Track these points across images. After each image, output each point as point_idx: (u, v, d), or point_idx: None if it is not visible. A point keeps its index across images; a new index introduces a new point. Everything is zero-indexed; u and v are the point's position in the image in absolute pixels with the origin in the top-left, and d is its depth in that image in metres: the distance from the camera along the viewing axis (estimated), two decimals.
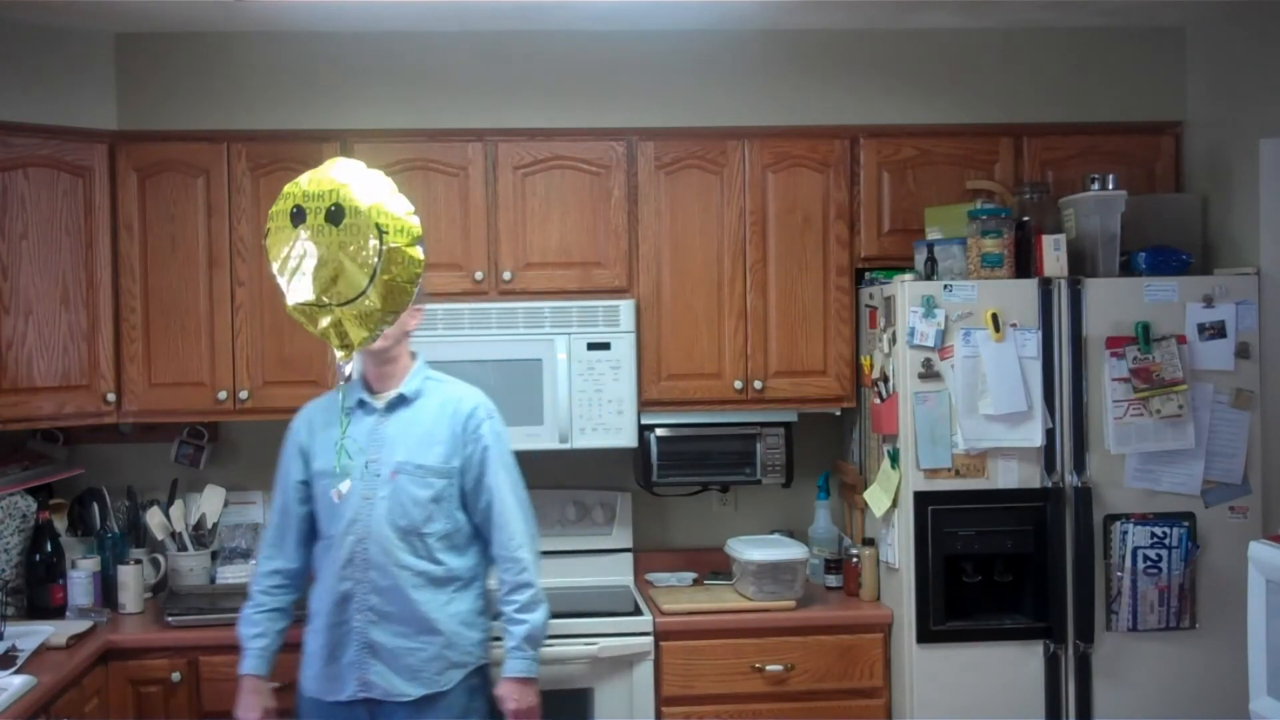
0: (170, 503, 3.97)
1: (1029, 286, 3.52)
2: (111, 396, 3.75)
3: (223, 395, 3.78)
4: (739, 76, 3.90)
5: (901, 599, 3.55)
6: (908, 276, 3.56)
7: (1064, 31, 3.94)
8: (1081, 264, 3.60)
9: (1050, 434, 3.49)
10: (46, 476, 3.84)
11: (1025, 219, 3.68)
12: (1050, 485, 3.50)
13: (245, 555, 4.01)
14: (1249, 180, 3.65)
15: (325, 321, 2.66)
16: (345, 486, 2.97)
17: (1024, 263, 3.61)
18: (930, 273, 3.63)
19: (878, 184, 3.92)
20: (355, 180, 2.65)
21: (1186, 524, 3.49)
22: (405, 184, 3.79)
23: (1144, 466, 3.50)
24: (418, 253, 2.67)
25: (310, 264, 2.62)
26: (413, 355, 3.21)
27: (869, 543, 3.80)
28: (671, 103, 3.87)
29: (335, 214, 2.60)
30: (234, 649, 3.50)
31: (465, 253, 3.83)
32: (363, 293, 2.59)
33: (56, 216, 3.67)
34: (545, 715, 3.26)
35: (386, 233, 2.61)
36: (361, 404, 3.13)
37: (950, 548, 3.50)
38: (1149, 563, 3.48)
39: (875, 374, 3.71)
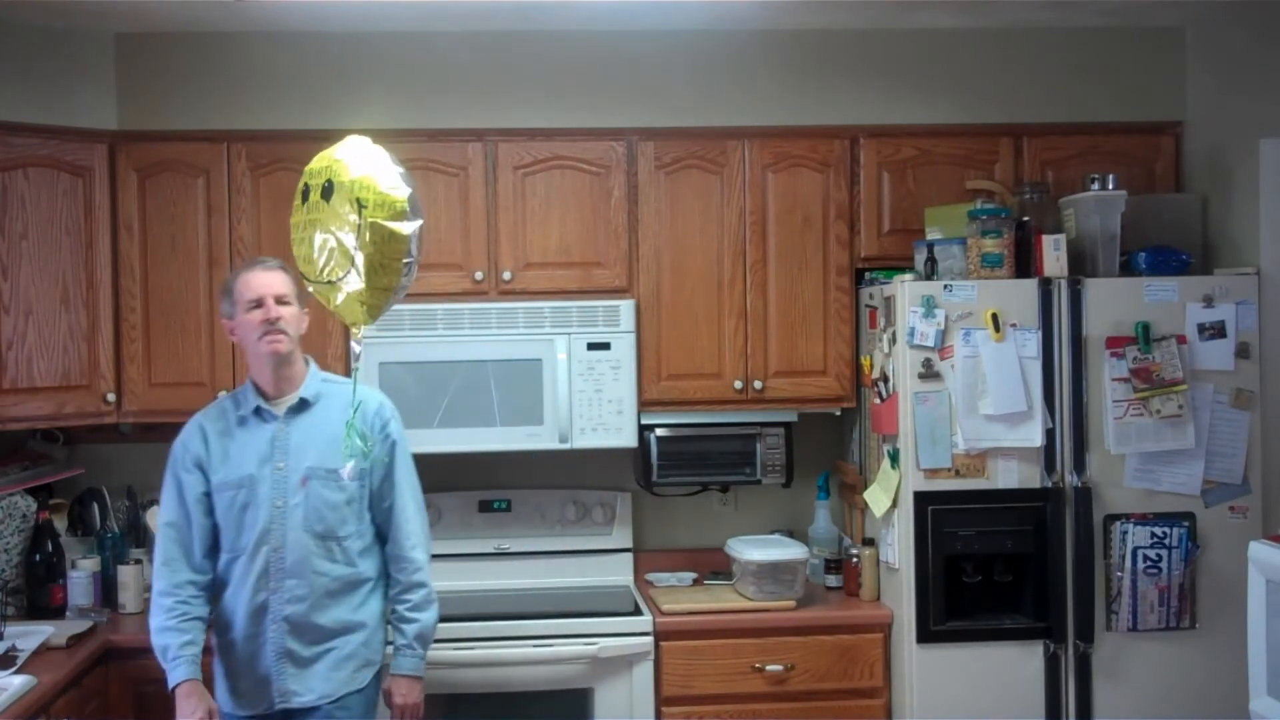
0: None
1: (1029, 286, 3.52)
2: (111, 396, 3.75)
3: (222, 395, 3.77)
4: (739, 76, 3.90)
5: (901, 599, 3.55)
6: (908, 276, 3.56)
7: (1064, 31, 3.94)
8: (1081, 264, 3.60)
9: (1050, 434, 3.49)
10: (46, 476, 3.84)
11: (1025, 219, 3.68)
12: (1050, 485, 3.50)
13: None
14: (1249, 180, 3.65)
15: (339, 299, 2.63)
16: (350, 468, 2.92)
17: (1024, 263, 3.61)
18: (930, 273, 3.63)
19: (878, 184, 3.92)
20: (351, 155, 2.61)
21: (1186, 524, 3.49)
22: None
23: (1144, 466, 3.50)
24: (401, 228, 2.58)
25: (313, 241, 2.62)
26: (305, 360, 3.15)
27: (869, 543, 3.79)
28: (671, 103, 3.87)
29: (328, 190, 2.60)
30: None
31: (465, 253, 3.83)
32: (351, 269, 2.57)
33: (56, 216, 3.67)
34: (545, 715, 3.26)
35: (366, 206, 2.56)
36: (258, 411, 3.06)
37: (950, 548, 3.50)
38: (1149, 563, 3.48)
39: (875, 374, 3.71)
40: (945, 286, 3.50)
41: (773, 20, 3.80)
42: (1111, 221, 3.60)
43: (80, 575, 3.70)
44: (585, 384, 3.77)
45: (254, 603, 2.99)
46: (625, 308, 3.80)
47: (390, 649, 3.12)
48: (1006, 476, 3.50)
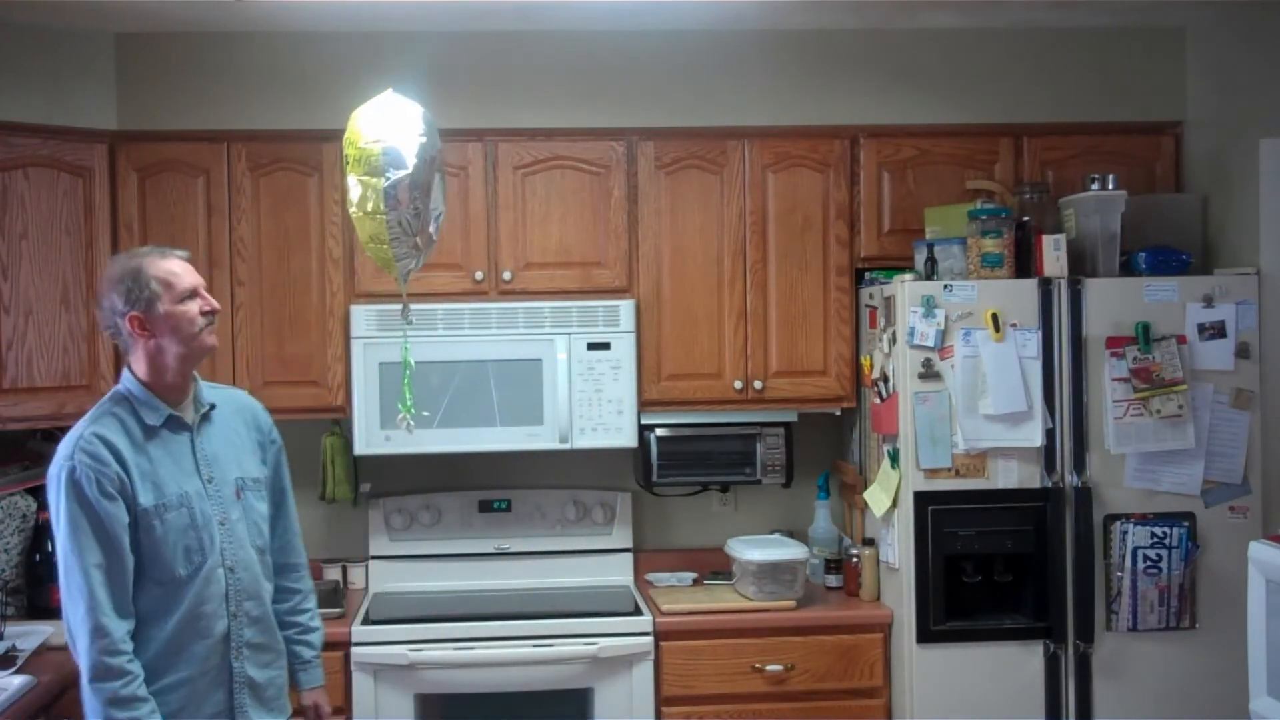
0: None
1: (1029, 286, 3.52)
2: None
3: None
4: (739, 76, 3.90)
5: (901, 599, 3.55)
6: (908, 276, 3.56)
7: (1064, 31, 3.94)
8: (1081, 264, 3.60)
9: (1050, 434, 3.49)
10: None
11: (1025, 219, 3.68)
12: (1050, 485, 3.50)
13: None
14: (1249, 180, 3.65)
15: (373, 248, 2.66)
16: (406, 421, 2.77)
17: (1024, 263, 3.61)
18: (930, 273, 3.63)
19: (878, 184, 3.92)
20: (365, 108, 2.63)
21: (1186, 524, 3.49)
22: None
23: (1144, 466, 3.50)
24: (376, 181, 2.53)
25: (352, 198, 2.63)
26: None
27: (869, 543, 3.79)
28: (671, 103, 3.87)
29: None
30: None
31: (465, 253, 3.83)
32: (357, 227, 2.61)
33: (56, 216, 3.67)
34: (545, 715, 3.26)
35: (349, 161, 2.58)
36: (170, 420, 2.65)
37: (950, 548, 3.50)
38: (1149, 563, 3.48)
39: (875, 374, 3.71)
40: (945, 286, 3.50)
41: (773, 20, 3.80)
42: (1111, 221, 3.60)
43: None
44: (585, 384, 3.77)
45: (216, 631, 2.62)
46: (625, 308, 3.80)
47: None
48: (1006, 476, 3.50)
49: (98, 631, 2.47)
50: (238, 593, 2.67)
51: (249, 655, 2.68)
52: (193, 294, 2.65)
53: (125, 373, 2.68)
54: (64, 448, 2.57)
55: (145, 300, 2.59)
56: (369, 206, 2.56)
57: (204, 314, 2.65)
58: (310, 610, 2.92)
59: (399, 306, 3.74)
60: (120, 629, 2.50)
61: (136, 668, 2.51)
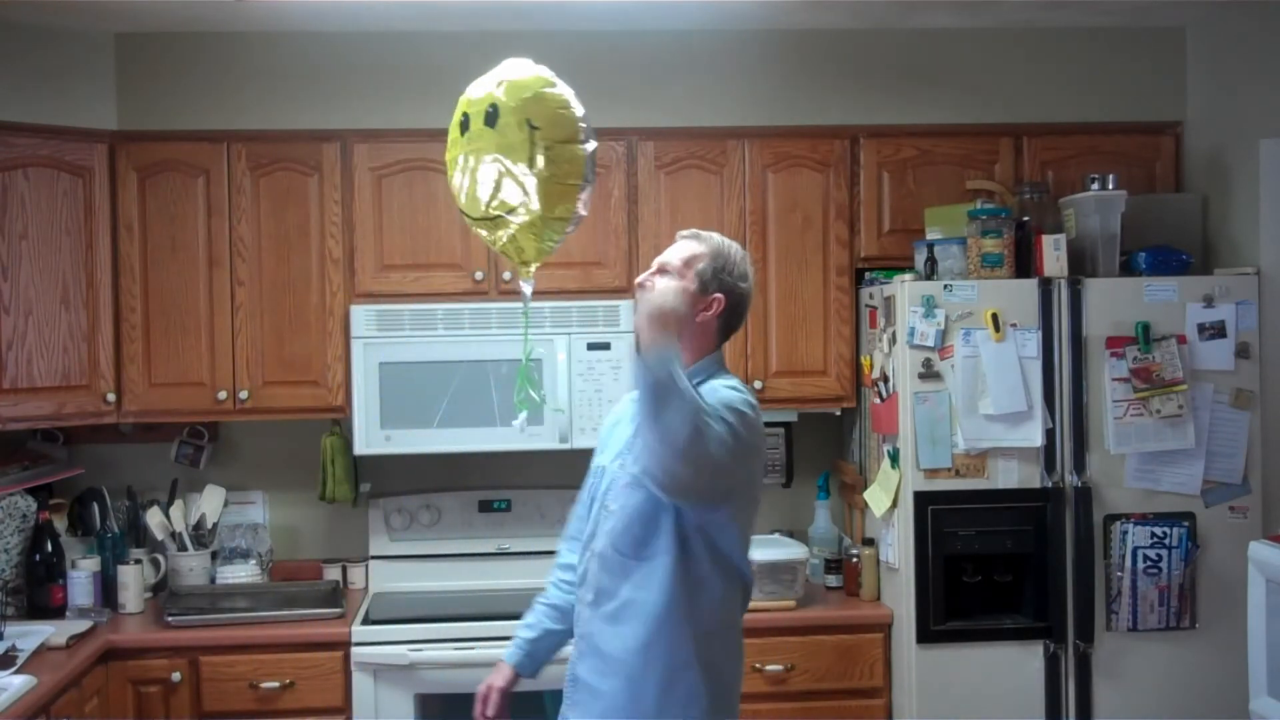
0: (170, 503, 3.97)
1: (1029, 286, 3.52)
2: (111, 396, 3.75)
3: (223, 395, 3.78)
4: (739, 76, 3.90)
5: (901, 599, 3.55)
6: (908, 276, 3.56)
7: (1064, 31, 3.94)
8: (1081, 264, 3.60)
9: (1050, 434, 3.49)
10: (46, 476, 3.84)
11: (1025, 219, 3.68)
12: (1050, 485, 3.50)
13: (245, 555, 4.02)
14: (1249, 180, 3.65)
15: (504, 236, 2.38)
16: (521, 420, 2.55)
17: (1024, 263, 3.61)
18: (930, 273, 3.63)
19: (878, 184, 3.92)
20: (513, 75, 2.37)
21: (1186, 524, 3.49)
22: (405, 184, 3.84)
23: (1144, 466, 3.49)
24: (578, 148, 2.36)
25: (478, 174, 2.36)
26: (701, 352, 2.58)
27: (869, 543, 3.79)
28: (671, 103, 3.87)
29: (491, 116, 2.33)
30: (234, 649, 3.52)
31: (465, 253, 3.83)
32: (525, 198, 2.32)
33: (56, 216, 3.67)
34: (546, 715, 3.25)
35: (539, 128, 2.31)
36: None
37: (950, 548, 3.50)
38: (1149, 563, 3.48)
39: (875, 374, 3.71)
40: (945, 286, 3.50)
41: (773, 20, 3.80)
42: (1111, 221, 3.60)
43: (80, 575, 3.70)
44: (585, 384, 3.77)
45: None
46: (625, 308, 3.79)
47: None
48: (1006, 476, 3.50)
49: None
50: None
51: None
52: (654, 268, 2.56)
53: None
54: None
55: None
56: (571, 179, 2.34)
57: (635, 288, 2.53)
58: None
59: (399, 307, 3.77)
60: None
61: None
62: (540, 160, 2.30)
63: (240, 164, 3.80)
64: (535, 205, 2.31)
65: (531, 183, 2.31)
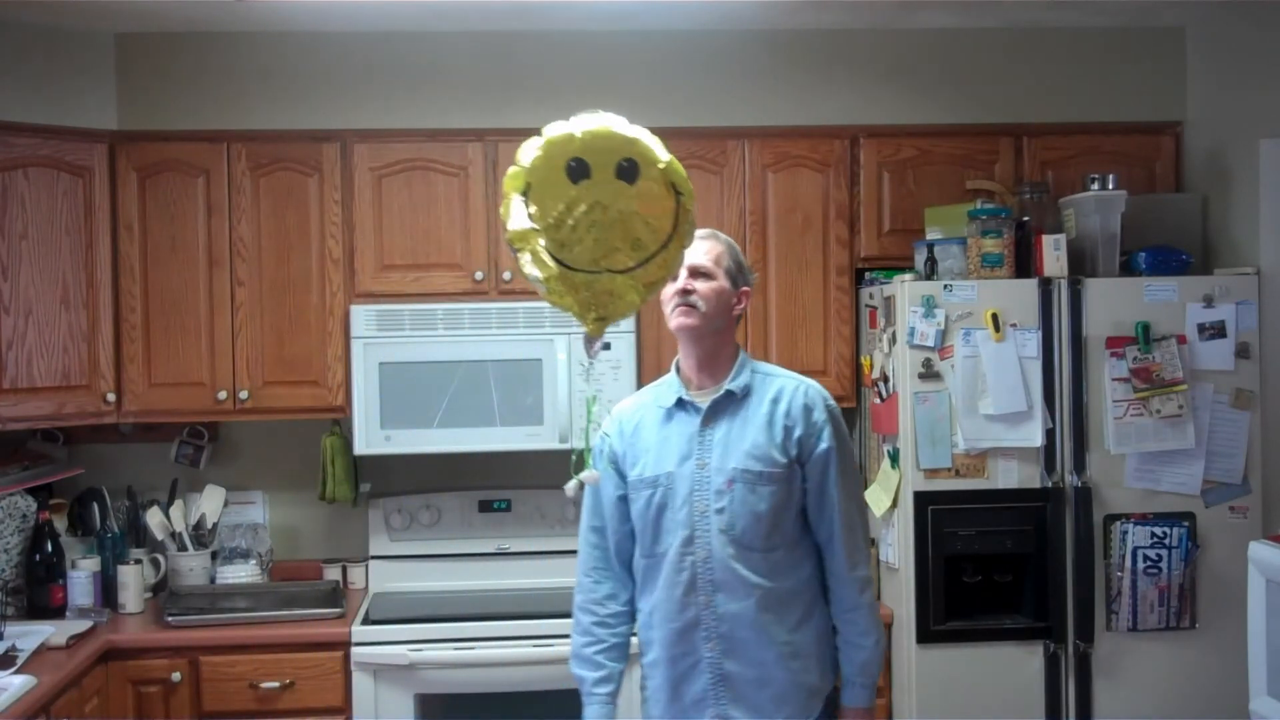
0: (170, 503, 3.97)
1: (1029, 286, 3.52)
2: (111, 396, 3.75)
3: (223, 395, 3.78)
4: (739, 76, 3.90)
5: (901, 599, 3.55)
6: (908, 276, 3.55)
7: (1064, 31, 3.94)
8: (1081, 264, 3.60)
9: (1050, 434, 3.49)
10: (46, 476, 3.84)
11: (1025, 219, 3.68)
12: (1050, 485, 3.50)
13: (245, 555, 4.01)
14: (1249, 180, 3.65)
15: (584, 291, 2.29)
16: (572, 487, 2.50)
17: (1024, 263, 3.61)
18: (930, 273, 3.63)
19: (878, 184, 3.92)
20: (642, 133, 2.30)
21: (1186, 524, 3.49)
22: (405, 184, 3.84)
23: (1144, 466, 3.49)
24: (690, 202, 2.33)
25: (594, 225, 2.22)
26: (736, 346, 2.70)
27: (869, 543, 3.78)
28: (671, 103, 3.87)
29: (629, 170, 2.24)
30: (234, 649, 3.52)
31: (465, 253, 3.83)
32: (648, 259, 2.25)
33: (56, 216, 3.67)
34: (545, 715, 3.25)
35: (684, 195, 2.28)
36: (680, 403, 2.65)
37: (950, 548, 3.50)
38: (1149, 563, 3.48)
39: (875, 374, 3.71)
40: (945, 286, 3.50)
41: (773, 20, 3.80)
42: (1111, 221, 3.60)
43: (80, 575, 3.70)
44: (585, 384, 3.77)
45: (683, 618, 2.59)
46: None
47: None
48: (1006, 476, 3.50)
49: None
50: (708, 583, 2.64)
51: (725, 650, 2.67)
52: (686, 273, 2.58)
53: None
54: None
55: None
56: (688, 241, 2.35)
57: (676, 294, 2.59)
58: None
59: (399, 307, 3.77)
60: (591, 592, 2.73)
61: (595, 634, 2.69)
62: (684, 225, 2.30)
63: (240, 164, 3.80)
64: (662, 268, 2.30)
65: (670, 245, 2.29)
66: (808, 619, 2.61)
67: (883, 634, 2.67)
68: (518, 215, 2.25)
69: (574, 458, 2.48)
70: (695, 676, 2.58)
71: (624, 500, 2.66)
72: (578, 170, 2.22)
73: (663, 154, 2.28)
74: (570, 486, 2.47)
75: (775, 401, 2.61)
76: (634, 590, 2.67)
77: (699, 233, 2.60)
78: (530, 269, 2.25)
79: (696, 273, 2.58)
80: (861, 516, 2.69)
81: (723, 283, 2.60)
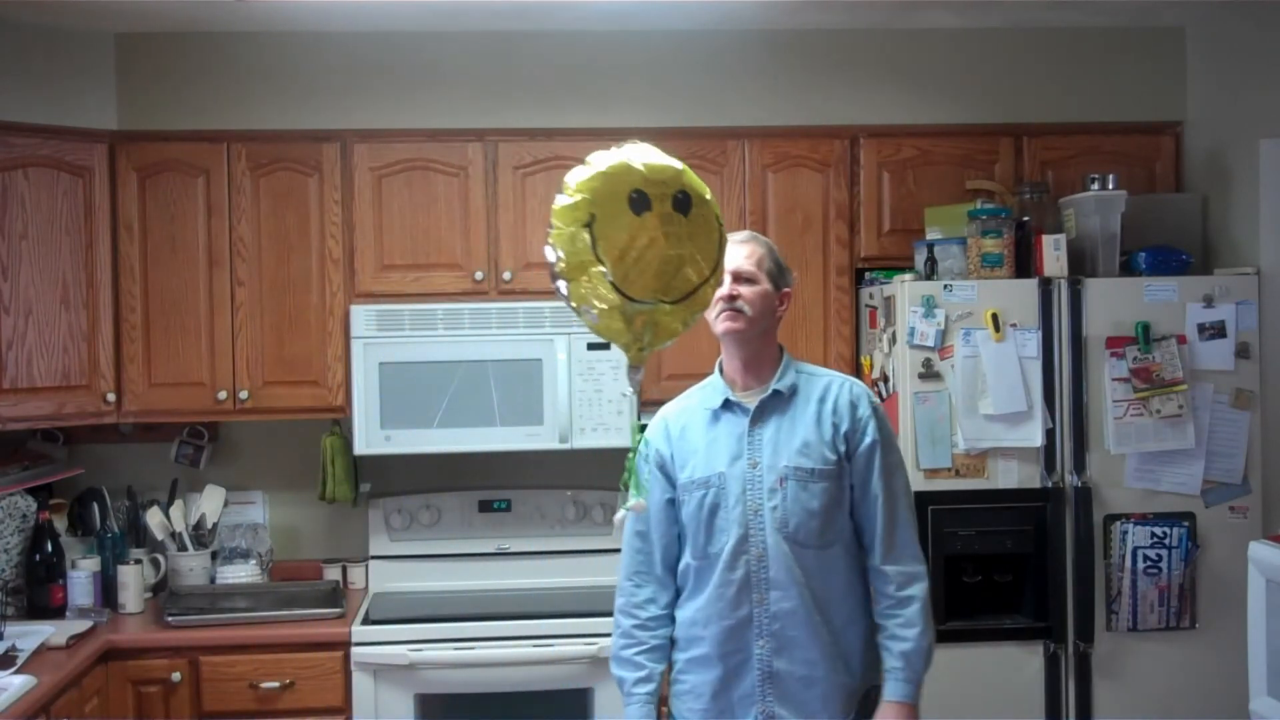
0: (170, 503, 3.97)
1: (1029, 286, 3.51)
2: (111, 396, 3.75)
3: (223, 395, 3.78)
4: (739, 76, 3.90)
5: None
6: (908, 276, 3.56)
7: (1064, 31, 3.94)
8: (1081, 264, 3.60)
9: (1050, 434, 3.49)
10: (46, 476, 3.84)
11: (1025, 219, 3.68)
12: (1050, 485, 3.50)
13: (245, 555, 4.01)
14: (1249, 180, 3.65)
15: (639, 321, 2.29)
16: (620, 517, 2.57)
17: (1024, 263, 3.61)
18: (930, 273, 3.63)
19: (878, 184, 3.92)
20: (684, 165, 2.36)
21: (1186, 524, 3.49)
22: (405, 184, 3.84)
23: (1144, 466, 3.49)
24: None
25: (655, 257, 2.24)
26: (779, 347, 2.72)
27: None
28: (671, 103, 3.87)
29: (683, 202, 2.28)
30: (234, 649, 3.52)
31: (465, 253, 3.84)
32: (696, 289, 2.28)
33: (56, 216, 3.67)
34: (545, 715, 3.25)
35: (723, 224, 2.36)
36: (727, 404, 2.67)
37: (950, 548, 3.50)
38: (1149, 563, 3.48)
39: (875, 374, 3.71)
40: (945, 286, 3.50)
41: (773, 20, 3.80)
42: (1111, 221, 3.60)
43: (80, 575, 3.70)
44: (585, 384, 3.77)
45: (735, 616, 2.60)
46: None
47: None
48: (1006, 476, 3.50)
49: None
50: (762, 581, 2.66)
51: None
52: (730, 278, 2.58)
53: None
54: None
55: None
56: (721, 275, 2.39)
57: (722, 299, 2.58)
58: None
59: (399, 307, 3.77)
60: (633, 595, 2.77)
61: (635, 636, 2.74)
62: (719, 254, 2.33)
63: (240, 164, 3.80)
64: (706, 296, 2.33)
65: (714, 276, 2.32)
66: (855, 619, 2.64)
67: (931, 632, 2.65)
68: (579, 246, 2.31)
69: (623, 485, 2.46)
70: (744, 674, 2.60)
71: (671, 504, 2.67)
72: (639, 202, 2.24)
73: (705, 188, 2.33)
74: (619, 517, 2.54)
75: (822, 400, 2.63)
76: (674, 594, 2.69)
77: (739, 235, 2.65)
78: (589, 299, 2.30)
79: (740, 277, 2.60)
80: (909, 512, 2.68)
81: (766, 285, 2.62)
